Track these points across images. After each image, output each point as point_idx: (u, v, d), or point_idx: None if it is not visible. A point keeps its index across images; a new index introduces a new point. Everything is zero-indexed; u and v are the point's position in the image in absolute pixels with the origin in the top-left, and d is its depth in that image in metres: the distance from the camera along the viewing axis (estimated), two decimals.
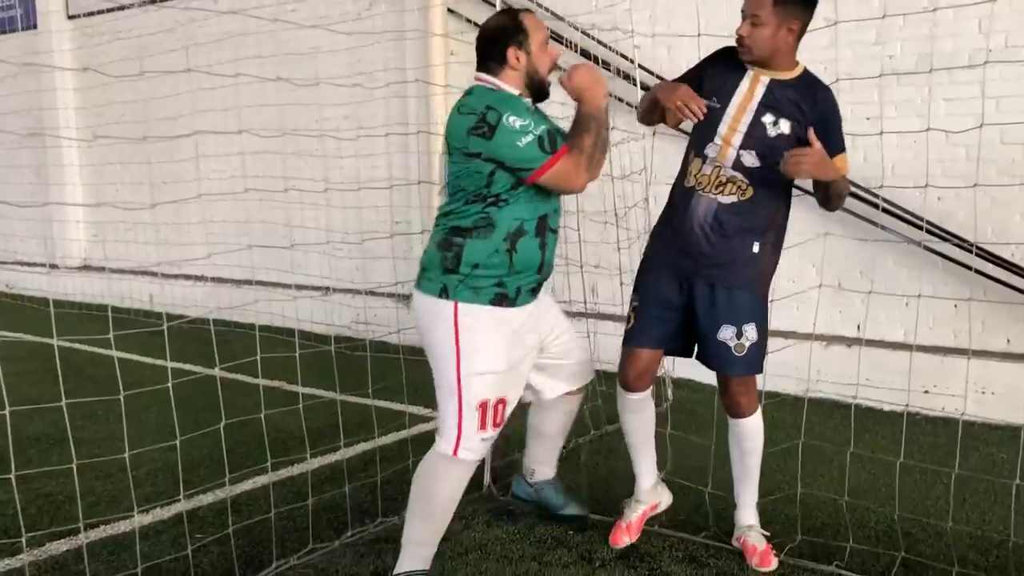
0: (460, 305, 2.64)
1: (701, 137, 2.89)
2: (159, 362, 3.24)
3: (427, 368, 4.10)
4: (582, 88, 2.68)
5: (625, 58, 5.44)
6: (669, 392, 5.01)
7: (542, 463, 3.27)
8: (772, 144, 2.78)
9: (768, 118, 2.79)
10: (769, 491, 3.43)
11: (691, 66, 3.02)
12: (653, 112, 2.95)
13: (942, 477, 3.73)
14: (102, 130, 8.67)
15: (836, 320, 5.07)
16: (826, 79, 2.91)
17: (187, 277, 7.76)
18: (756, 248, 2.87)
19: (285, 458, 3.99)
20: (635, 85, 5.05)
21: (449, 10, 6.37)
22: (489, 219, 2.65)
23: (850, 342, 4.98)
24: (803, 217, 3.62)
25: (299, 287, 6.93)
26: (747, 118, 2.80)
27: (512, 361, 2.73)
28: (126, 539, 3.18)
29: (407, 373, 3.94)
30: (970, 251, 4.16)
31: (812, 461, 3.82)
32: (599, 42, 5.49)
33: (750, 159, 2.80)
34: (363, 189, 6.19)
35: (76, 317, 7.89)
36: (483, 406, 2.65)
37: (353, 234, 6.74)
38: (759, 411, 3.02)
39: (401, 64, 6.66)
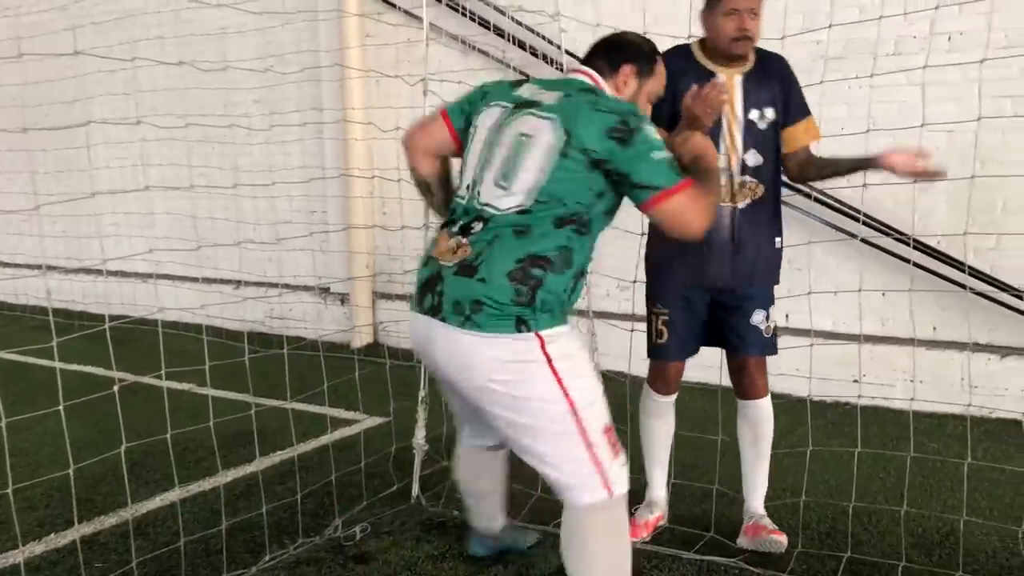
0: (544, 334, 2.16)
1: None
2: (56, 365, 2.95)
3: (349, 366, 3.92)
4: (702, 151, 2.40)
5: (551, 43, 5.27)
6: None
7: (491, 518, 2.88)
8: (765, 135, 2.85)
9: (754, 114, 2.84)
10: (705, 494, 3.33)
11: None
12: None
13: (878, 471, 3.69)
14: None
15: None
16: None
17: (87, 271, 7.32)
18: (778, 244, 2.97)
19: (195, 471, 3.73)
20: (561, 71, 4.88)
21: None
22: (570, 251, 2.21)
23: (779, 332, 4.92)
24: None
25: (208, 280, 6.60)
26: (739, 122, 2.82)
27: None
28: (14, 573, 2.87)
29: (328, 373, 3.70)
30: (907, 243, 4.14)
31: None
32: (524, 25, 5.31)
33: (753, 159, 2.84)
34: (276, 177, 5.89)
35: None
36: (608, 431, 2.24)
37: (265, 224, 6.44)
38: (769, 395, 3.06)
39: (314, 46, 6.35)
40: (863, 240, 4.41)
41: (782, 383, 4.41)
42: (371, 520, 3.22)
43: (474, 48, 5.62)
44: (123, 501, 3.27)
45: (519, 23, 5.31)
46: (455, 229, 2.28)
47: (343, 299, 6.49)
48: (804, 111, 2.91)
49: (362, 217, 6.14)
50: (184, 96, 6.43)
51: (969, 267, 4.23)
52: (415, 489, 3.44)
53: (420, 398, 3.46)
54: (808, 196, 4.54)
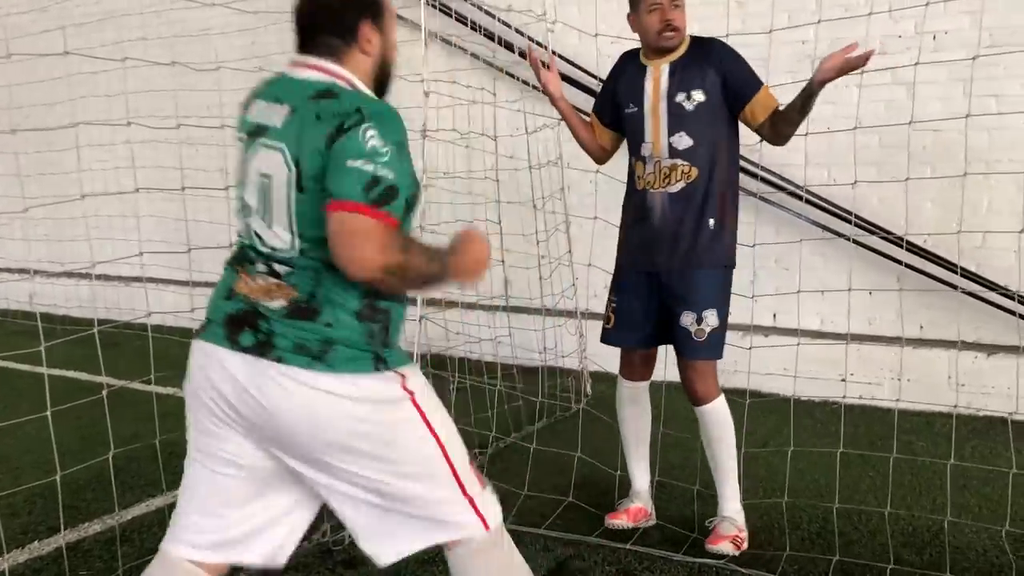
0: (402, 371, 1.92)
1: (634, 142, 3.04)
2: (44, 370, 2.92)
3: None
4: (473, 267, 1.84)
5: (540, 45, 5.25)
6: (588, 387, 4.88)
7: None
8: (696, 117, 2.92)
9: (680, 96, 2.93)
10: (692, 496, 3.33)
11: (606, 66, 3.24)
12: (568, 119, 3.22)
13: (867, 471, 3.69)
14: None
15: (753, 309, 5.01)
16: None
17: (70, 275, 7.25)
18: (712, 224, 2.95)
19: (182, 476, 3.69)
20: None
21: None
22: None
23: (767, 331, 4.93)
24: None
25: (195, 284, 6.54)
26: (663, 106, 2.95)
27: None
28: None
29: None
30: (899, 245, 4.16)
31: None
32: (512, 27, 5.30)
33: (683, 141, 2.91)
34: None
35: None
36: (471, 463, 2.03)
37: None
38: (721, 399, 3.04)
39: None
40: (841, 234, 4.42)
41: (769, 382, 4.43)
42: None
43: (463, 50, 5.60)
44: (108, 507, 3.24)
45: (506, 24, 5.29)
46: (258, 268, 1.91)
47: None
48: (755, 84, 2.93)
49: None
50: (169, 98, 6.39)
51: (955, 265, 4.25)
52: None
53: None
54: (800, 198, 4.53)
